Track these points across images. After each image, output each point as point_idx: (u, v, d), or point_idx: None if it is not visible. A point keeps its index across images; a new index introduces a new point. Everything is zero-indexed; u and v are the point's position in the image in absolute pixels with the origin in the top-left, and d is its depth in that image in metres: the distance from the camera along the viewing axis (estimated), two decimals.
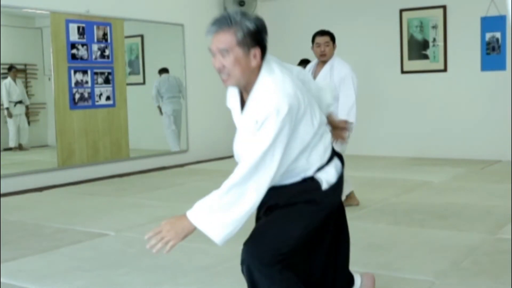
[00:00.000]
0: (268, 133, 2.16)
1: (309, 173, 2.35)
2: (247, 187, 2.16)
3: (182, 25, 8.99)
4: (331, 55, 5.18)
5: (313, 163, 2.36)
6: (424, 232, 4.53)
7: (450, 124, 8.80)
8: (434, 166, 8.04)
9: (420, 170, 7.73)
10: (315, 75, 5.25)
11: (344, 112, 5.04)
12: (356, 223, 4.86)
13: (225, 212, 2.15)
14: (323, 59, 5.18)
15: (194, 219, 2.17)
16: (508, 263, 3.59)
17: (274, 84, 2.23)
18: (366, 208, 5.42)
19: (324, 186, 2.36)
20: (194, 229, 2.18)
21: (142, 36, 9.19)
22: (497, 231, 4.46)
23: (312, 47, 5.25)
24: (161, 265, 3.81)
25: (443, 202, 5.60)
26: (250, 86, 2.28)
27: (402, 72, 9.14)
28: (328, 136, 2.43)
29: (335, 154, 2.48)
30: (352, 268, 3.69)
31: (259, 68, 2.27)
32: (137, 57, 9.26)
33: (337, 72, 5.11)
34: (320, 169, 2.38)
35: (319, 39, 5.17)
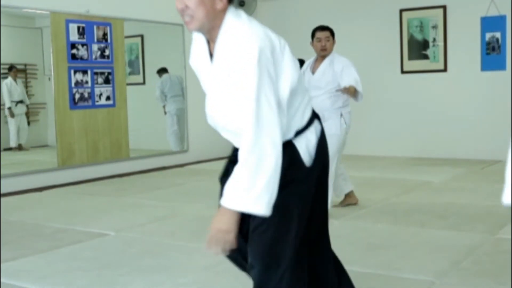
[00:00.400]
0: (249, 82, 1.98)
1: (289, 135, 2.14)
2: (262, 145, 1.98)
3: (182, 25, 8.98)
4: (331, 50, 5.20)
5: (293, 123, 2.16)
6: (424, 232, 4.53)
7: (450, 124, 8.80)
8: (434, 166, 8.04)
9: (420, 170, 7.73)
10: (314, 70, 5.25)
11: (352, 82, 5.01)
12: (356, 223, 4.86)
13: (255, 181, 1.98)
14: (324, 54, 5.19)
15: (231, 205, 2.01)
16: (508, 263, 3.59)
17: (242, 27, 2.07)
18: (366, 208, 5.42)
19: (306, 159, 2.16)
20: (239, 214, 2.03)
21: (142, 36, 9.19)
22: (497, 231, 4.46)
23: (312, 43, 5.25)
24: (161, 265, 3.81)
25: (443, 202, 5.60)
26: (216, 31, 2.10)
27: (402, 72, 9.14)
28: (308, 96, 2.26)
29: (314, 116, 2.28)
30: (352, 268, 3.69)
31: (224, 12, 2.10)
32: (137, 57, 9.27)
33: (337, 64, 5.12)
34: (299, 133, 2.17)
35: (320, 34, 5.19)
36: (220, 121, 2.18)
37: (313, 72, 5.25)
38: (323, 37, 5.17)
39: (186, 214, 5.38)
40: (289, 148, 2.13)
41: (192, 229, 4.76)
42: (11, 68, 8.30)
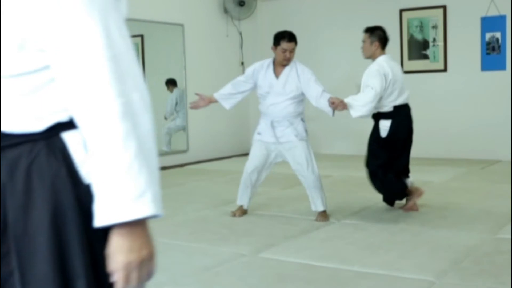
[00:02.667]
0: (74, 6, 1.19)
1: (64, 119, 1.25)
2: (131, 104, 1.23)
3: (182, 25, 8.98)
4: (292, 59, 5.06)
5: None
6: (424, 231, 4.53)
7: (450, 124, 8.81)
8: (434, 166, 8.04)
9: (420, 170, 7.72)
10: (277, 73, 5.07)
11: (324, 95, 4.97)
12: (356, 223, 4.87)
13: (139, 165, 1.21)
14: (286, 63, 5.03)
15: (136, 214, 1.22)
16: (508, 263, 3.59)
17: None
18: (366, 208, 5.42)
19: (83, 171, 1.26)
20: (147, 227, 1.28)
21: (142, 36, 9.19)
22: (497, 231, 4.46)
23: (274, 48, 5.05)
24: (161, 265, 3.79)
25: (443, 202, 5.60)
26: None
27: (402, 72, 9.13)
28: None
29: None
30: (352, 268, 3.70)
31: None
32: (137, 57, 9.26)
33: (303, 75, 4.99)
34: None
35: (286, 45, 4.97)
36: None
37: (277, 76, 5.06)
38: (289, 49, 4.97)
39: (186, 214, 5.38)
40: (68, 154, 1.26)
41: (192, 229, 4.76)
42: None
